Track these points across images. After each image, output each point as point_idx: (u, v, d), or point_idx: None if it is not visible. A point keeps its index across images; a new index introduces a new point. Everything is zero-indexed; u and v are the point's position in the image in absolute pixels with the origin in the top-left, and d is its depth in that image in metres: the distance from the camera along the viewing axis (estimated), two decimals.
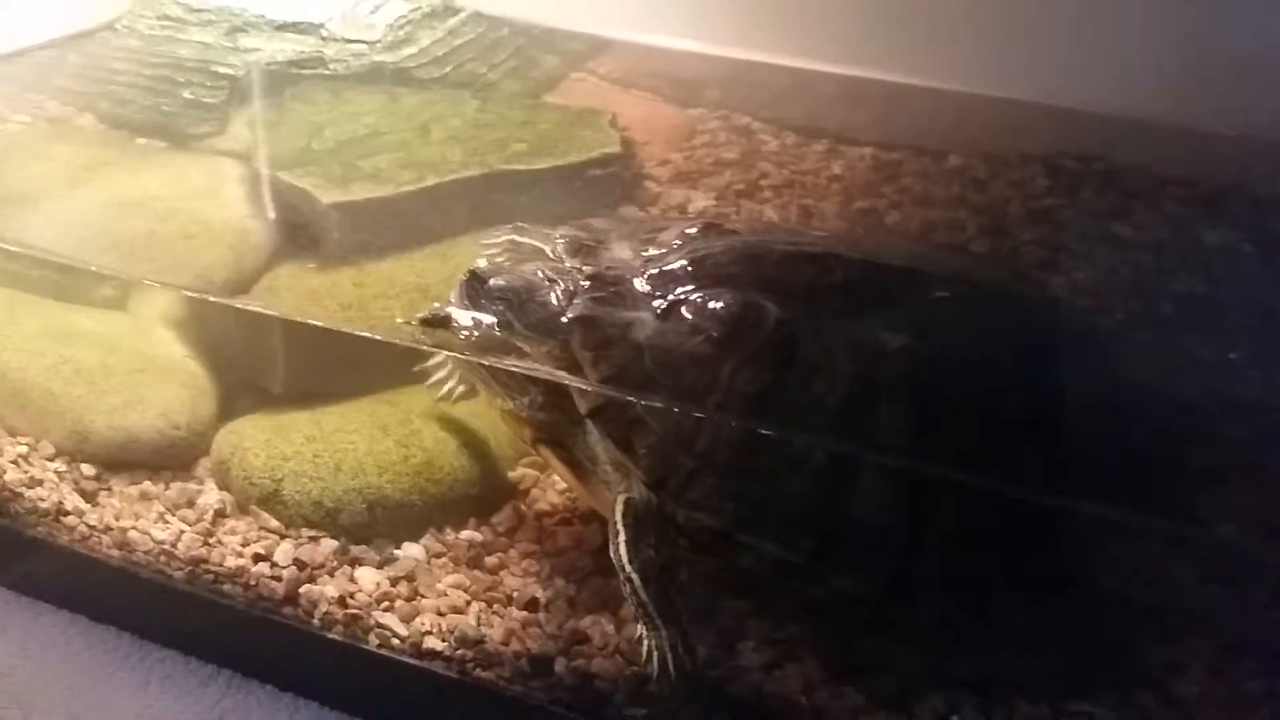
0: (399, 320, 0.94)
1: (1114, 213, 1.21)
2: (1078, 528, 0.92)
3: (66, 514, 1.00)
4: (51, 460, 1.03)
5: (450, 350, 0.94)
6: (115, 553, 0.98)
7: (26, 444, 1.04)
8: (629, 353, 0.84)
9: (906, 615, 0.86)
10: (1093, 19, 1.28)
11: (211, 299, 0.97)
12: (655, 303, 0.86)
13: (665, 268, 0.89)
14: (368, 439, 0.98)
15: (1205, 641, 0.87)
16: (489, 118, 1.24)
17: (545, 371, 0.87)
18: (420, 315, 0.88)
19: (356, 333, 0.91)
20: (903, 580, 0.85)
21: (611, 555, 0.85)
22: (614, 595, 0.91)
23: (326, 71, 1.30)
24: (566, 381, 0.85)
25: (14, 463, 1.02)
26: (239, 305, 1.00)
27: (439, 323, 0.88)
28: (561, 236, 0.93)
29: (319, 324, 0.92)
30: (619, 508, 0.85)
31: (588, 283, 0.88)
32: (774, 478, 0.83)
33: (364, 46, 1.33)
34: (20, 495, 1.01)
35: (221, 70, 1.29)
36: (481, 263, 0.90)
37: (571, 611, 0.91)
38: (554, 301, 0.87)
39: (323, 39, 1.32)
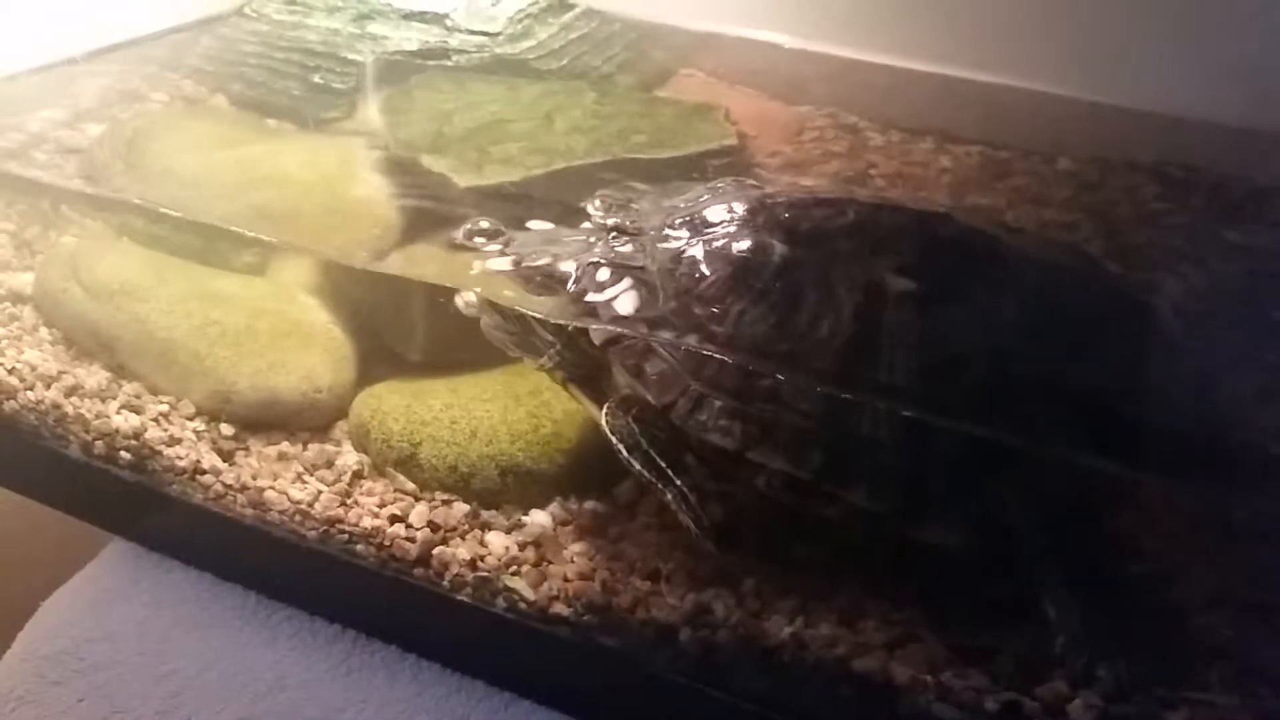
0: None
1: (1222, 219, 1.21)
2: (1177, 519, 0.93)
3: (203, 472, 1.02)
4: (191, 419, 1.06)
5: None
6: (249, 512, 1.01)
7: (168, 403, 1.07)
8: (641, 295, 0.89)
9: (1017, 599, 0.87)
10: (1195, 28, 1.28)
11: (377, 269, 1.00)
12: (668, 245, 0.92)
13: (683, 217, 0.95)
14: (501, 408, 1.00)
15: None
16: (608, 109, 1.27)
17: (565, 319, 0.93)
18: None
19: (503, 306, 0.95)
20: (920, 498, 0.86)
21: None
22: (733, 571, 0.93)
23: (450, 62, 1.34)
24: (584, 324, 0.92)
25: (155, 420, 1.05)
26: (401, 275, 1.03)
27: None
28: (599, 196, 1.01)
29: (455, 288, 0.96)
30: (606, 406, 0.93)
31: (609, 233, 0.95)
32: (780, 398, 0.86)
33: (485, 38, 1.36)
34: (159, 453, 1.04)
35: (350, 56, 1.33)
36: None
37: (693, 584, 0.92)
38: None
39: (447, 29, 1.36)
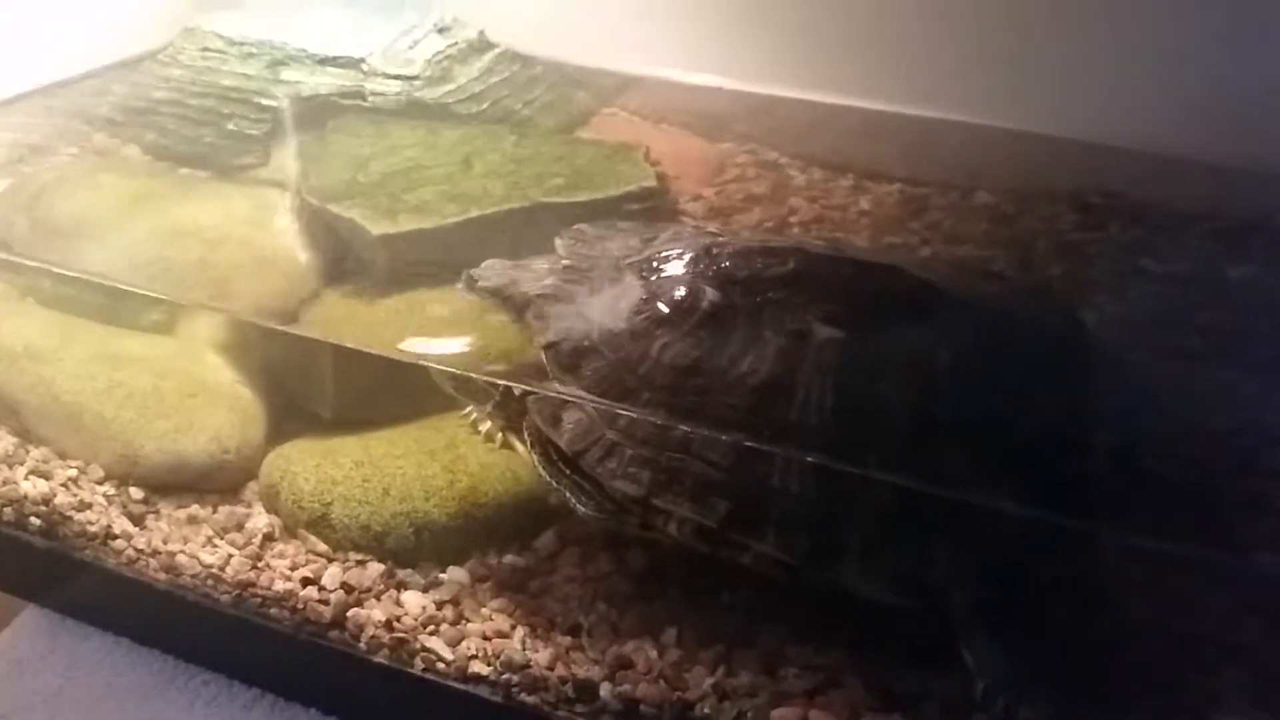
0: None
1: (1140, 247, 1.22)
2: (1106, 554, 0.93)
3: (115, 537, 1.00)
4: (101, 484, 1.04)
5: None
6: (162, 576, 0.99)
7: (77, 467, 1.04)
8: (576, 326, 0.90)
9: (942, 643, 0.87)
10: (1115, 55, 1.30)
11: (278, 327, 0.99)
12: (613, 288, 0.93)
13: (634, 259, 0.96)
14: (415, 464, 0.99)
15: (1244, 673, 0.87)
16: (527, 152, 1.26)
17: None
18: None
19: (419, 362, 0.94)
20: (832, 548, 0.86)
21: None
22: (656, 620, 0.92)
23: (367, 105, 1.32)
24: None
25: (64, 485, 1.03)
26: (304, 334, 1.02)
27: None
28: (570, 232, 1.03)
29: (377, 352, 0.94)
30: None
31: (561, 268, 0.96)
32: (690, 449, 0.87)
33: (403, 82, 1.35)
34: (69, 518, 1.01)
35: (264, 102, 1.31)
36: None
37: (615, 636, 0.91)
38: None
39: (363, 73, 1.34)
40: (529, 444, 0.94)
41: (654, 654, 0.89)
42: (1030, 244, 1.23)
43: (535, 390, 0.91)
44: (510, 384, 0.93)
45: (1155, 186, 1.29)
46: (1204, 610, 0.92)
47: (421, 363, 0.96)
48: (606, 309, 0.91)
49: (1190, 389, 0.99)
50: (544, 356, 0.89)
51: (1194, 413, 0.96)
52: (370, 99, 1.33)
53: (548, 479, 0.92)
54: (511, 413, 0.96)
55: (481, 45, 1.45)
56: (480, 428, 1.04)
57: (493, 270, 0.96)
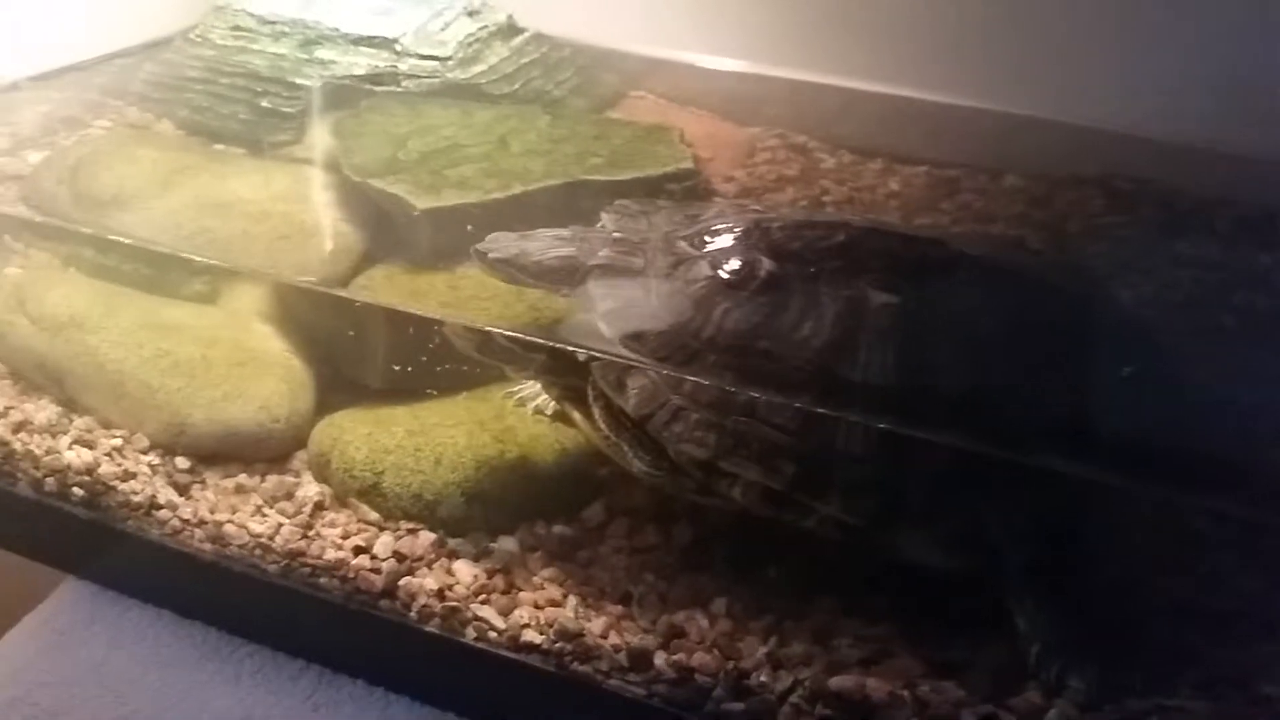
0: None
1: (1170, 231, 1.24)
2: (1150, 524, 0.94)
3: (159, 507, 1.00)
4: (145, 453, 1.03)
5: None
6: (208, 546, 0.99)
7: (121, 436, 1.04)
8: (637, 294, 0.91)
9: (990, 609, 0.88)
10: (1139, 45, 1.31)
11: (337, 291, 0.98)
12: (667, 259, 0.94)
13: (685, 232, 0.97)
14: (466, 434, 0.99)
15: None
16: (562, 132, 1.26)
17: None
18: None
19: (483, 327, 0.94)
20: (893, 511, 0.87)
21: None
22: (705, 591, 0.93)
23: (400, 86, 1.32)
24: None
25: (108, 455, 1.03)
26: (361, 299, 1.01)
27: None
28: (615, 206, 1.03)
29: (434, 317, 0.94)
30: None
31: (614, 240, 0.96)
32: (755, 412, 0.88)
33: (436, 63, 1.34)
34: (113, 489, 1.01)
35: (298, 81, 1.31)
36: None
37: (664, 606, 0.92)
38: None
39: (396, 54, 1.34)
40: (592, 398, 0.94)
41: (705, 624, 0.90)
42: (1062, 226, 1.24)
43: (601, 356, 0.91)
44: (578, 349, 0.93)
45: (1180, 174, 1.30)
46: (1241, 587, 0.93)
47: (481, 327, 0.96)
48: (664, 278, 0.92)
49: (1226, 365, 1.00)
50: (605, 323, 0.90)
51: (1231, 387, 0.97)
52: (403, 80, 1.33)
53: (607, 433, 0.93)
54: (570, 380, 0.96)
55: (511, 28, 1.45)
56: (528, 405, 1.05)
57: (499, 243, 0.95)
